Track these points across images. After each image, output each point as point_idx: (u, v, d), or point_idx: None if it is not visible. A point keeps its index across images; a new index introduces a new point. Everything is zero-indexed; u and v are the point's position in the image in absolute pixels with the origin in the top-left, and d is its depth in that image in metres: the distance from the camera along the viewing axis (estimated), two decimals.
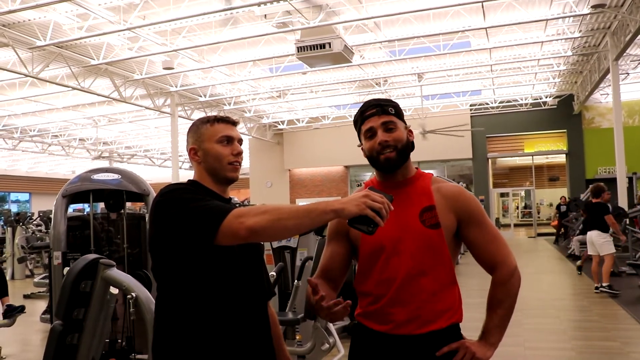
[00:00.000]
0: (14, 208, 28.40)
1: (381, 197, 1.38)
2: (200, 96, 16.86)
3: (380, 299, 1.68)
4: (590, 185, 8.76)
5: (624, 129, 13.00)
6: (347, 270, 1.82)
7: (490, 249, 1.74)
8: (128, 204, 4.57)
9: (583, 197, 15.56)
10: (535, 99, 19.77)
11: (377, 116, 1.72)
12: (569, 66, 16.15)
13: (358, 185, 19.70)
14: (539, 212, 24.65)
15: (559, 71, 16.58)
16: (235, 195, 25.13)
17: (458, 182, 16.46)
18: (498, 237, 1.76)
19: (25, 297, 9.50)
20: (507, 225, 22.43)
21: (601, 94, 18.73)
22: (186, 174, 22.19)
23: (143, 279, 4.04)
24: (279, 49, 12.66)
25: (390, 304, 1.66)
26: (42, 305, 8.28)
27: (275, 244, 5.17)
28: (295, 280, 4.53)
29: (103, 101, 16.19)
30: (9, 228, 13.25)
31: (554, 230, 17.96)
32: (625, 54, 12.86)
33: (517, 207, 30.11)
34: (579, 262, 10.11)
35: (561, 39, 13.13)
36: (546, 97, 19.68)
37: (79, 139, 23.58)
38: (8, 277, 11.72)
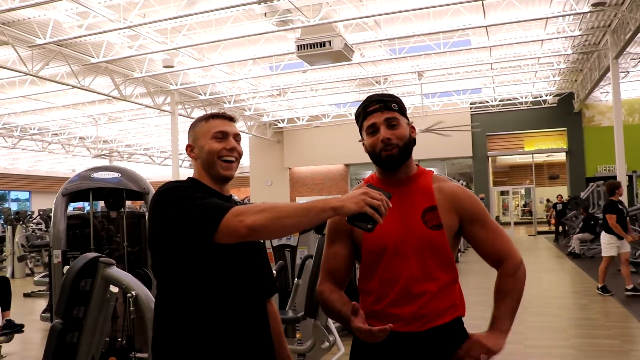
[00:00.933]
0: (14, 207, 28.39)
1: (380, 194, 1.38)
2: (201, 94, 16.86)
3: (383, 299, 1.67)
4: (605, 182, 8.46)
5: (624, 127, 12.98)
6: (351, 270, 1.81)
7: (495, 245, 1.74)
8: (128, 203, 4.56)
9: (583, 195, 15.57)
10: (535, 97, 19.76)
11: (380, 112, 1.70)
12: (569, 64, 16.14)
13: (357, 182, 19.78)
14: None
15: (559, 69, 16.56)
16: (235, 193, 25.11)
17: (458, 181, 16.47)
18: (501, 233, 1.77)
19: (26, 295, 9.51)
20: (507, 224, 22.43)
21: (601, 92, 18.72)
22: (186, 172, 22.18)
23: (143, 277, 4.05)
24: (279, 47, 12.65)
25: (393, 304, 1.65)
26: (42, 303, 8.29)
27: (276, 242, 5.17)
28: (296, 279, 4.53)
29: (103, 99, 16.18)
30: (9, 227, 13.27)
31: (554, 229, 17.99)
32: (625, 52, 12.84)
33: (517, 206, 30.13)
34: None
35: (561, 37, 13.12)
36: (546, 96, 19.66)
37: (79, 138, 23.57)
38: (8, 275, 11.75)
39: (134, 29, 10.58)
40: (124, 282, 2.46)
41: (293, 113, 21.21)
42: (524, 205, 30.44)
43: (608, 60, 13.12)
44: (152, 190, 4.37)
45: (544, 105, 19.92)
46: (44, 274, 8.97)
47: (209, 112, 1.79)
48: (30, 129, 20.58)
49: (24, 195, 31.53)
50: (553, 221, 18.43)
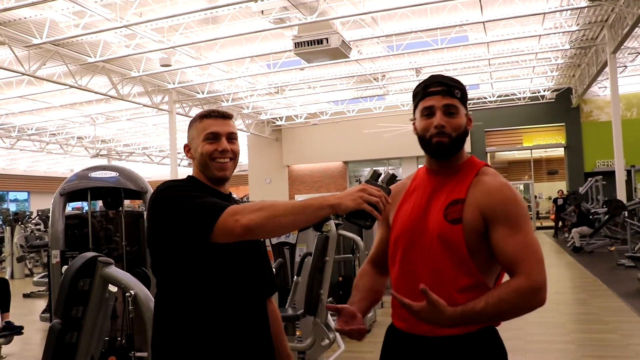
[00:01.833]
0: (12, 207, 28.37)
1: (378, 190, 1.37)
2: (198, 93, 16.83)
3: (400, 290, 1.59)
4: None
5: (622, 122, 12.99)
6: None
7: (514, 255, 1.47)
8: (126, 202, 4.55)
9: (582, 190, 15.59)
10: (533, 93, 19.74)
11: (441, 96, 1.57)
12: (566, 59, 16.13)
13: (357, 181, 19.76)
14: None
15: (556, 65, 16.55)
16: (234, 192, 25.07)
17: None
18: (530, 247, 1.48)
19: (25, 296, 9.50)
20: None
21: (599, 87, 18.72)
22: (185, 171, 22.15)
23: (142, 276, 4.05)
24: (276, 45, 12.63)
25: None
26: (41, 304, 8.29)
27: (275, 240, 5.16)
28: (295, 276, 4.53)
29: (100, 99, 16.15)
30: (7, 227, 13.24)
31: (553, 224, 18.01)
32: (622, 46, 12.84)
33: None
34: None
35: (559, 33, 13.11)
36: (544, 91, 19.66)
37: (77, 137, 23.53)
38: (7, 276, 11.74)
39: (131, 28, 10.55)
40: (123, 282, 2.45)
41: (291, 111, 21.19)
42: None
43: (606, 55, 13.12)
44: (151, 189, 4.36)
45: (542, 101, 19.92)
46: (43, 274, 8.96)
47: (204, 110, 1.77)
48: (28, 129, 20.54)
49: (22, 195, 31.49)
50: (552, 216, 18.46)
